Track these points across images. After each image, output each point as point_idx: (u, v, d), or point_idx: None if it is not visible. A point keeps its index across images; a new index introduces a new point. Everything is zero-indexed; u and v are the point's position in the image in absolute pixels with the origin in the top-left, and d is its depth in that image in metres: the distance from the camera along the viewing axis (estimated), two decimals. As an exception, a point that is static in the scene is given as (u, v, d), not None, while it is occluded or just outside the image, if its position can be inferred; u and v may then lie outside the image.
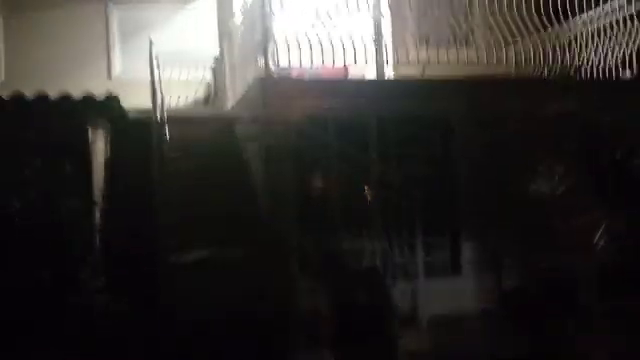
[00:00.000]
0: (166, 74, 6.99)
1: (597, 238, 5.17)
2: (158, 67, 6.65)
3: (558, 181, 5.22)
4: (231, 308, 4.76)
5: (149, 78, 6.30)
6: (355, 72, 6.24)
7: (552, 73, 5.89)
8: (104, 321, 5.04)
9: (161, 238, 5.39)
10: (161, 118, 6.22)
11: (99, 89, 5.97)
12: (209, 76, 7.68)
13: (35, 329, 4.94)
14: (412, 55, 5.77)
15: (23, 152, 5.52)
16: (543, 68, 6.04)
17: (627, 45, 5.97)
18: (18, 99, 5.58)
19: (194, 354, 4.60)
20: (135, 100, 6.37)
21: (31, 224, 5.33)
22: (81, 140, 5.64)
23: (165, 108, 6.42)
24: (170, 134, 6.21)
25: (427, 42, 6.00)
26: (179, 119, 6.56)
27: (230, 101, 7.13)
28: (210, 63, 7.63)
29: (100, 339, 4.86)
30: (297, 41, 5.56)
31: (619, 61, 6.04)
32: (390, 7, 6.10)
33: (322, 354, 5.13)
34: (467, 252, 6.32)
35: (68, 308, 5.06)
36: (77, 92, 5.76)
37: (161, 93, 6.50)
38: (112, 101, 5.88)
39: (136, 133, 6.02)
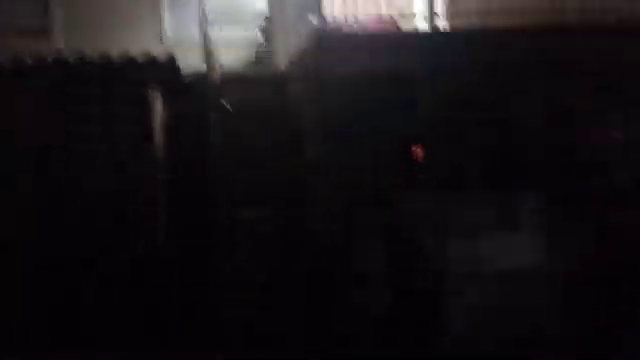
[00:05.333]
0: (214, 33, 6.94)
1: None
2: (208, 25, 6.55)
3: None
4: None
5: (197, 39, 6.26)
6: (404, 25, 5.96)
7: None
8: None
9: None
10: (217, 79, 6.15)
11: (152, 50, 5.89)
12: (259, 35, 7.56)
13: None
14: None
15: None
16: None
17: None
18: (81, 59, 5.51)
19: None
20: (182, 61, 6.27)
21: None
22: (144, 104, 5.54)
23: (218, 68, 6.35)
24: (226, 95, 6.14)
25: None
26: (234, 79, 6.46)
27: (283, 60, 6.99)
28: (259, 23, 7.52)
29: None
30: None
31: None
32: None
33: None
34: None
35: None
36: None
37: (214, 53, 6.42)
38: (171, 62, 5.71)
39: (193, 95, 5.93)
